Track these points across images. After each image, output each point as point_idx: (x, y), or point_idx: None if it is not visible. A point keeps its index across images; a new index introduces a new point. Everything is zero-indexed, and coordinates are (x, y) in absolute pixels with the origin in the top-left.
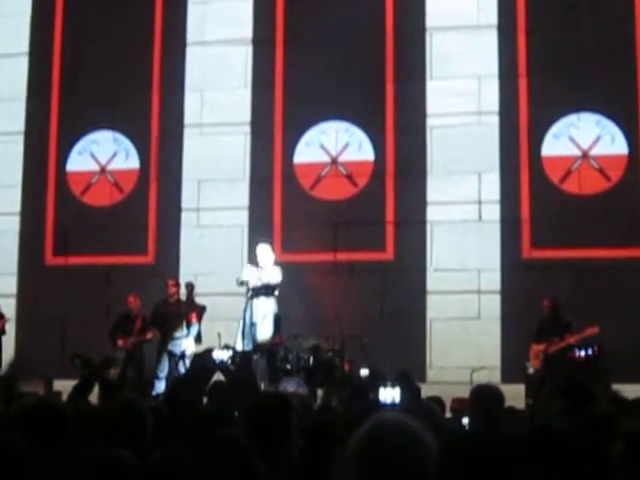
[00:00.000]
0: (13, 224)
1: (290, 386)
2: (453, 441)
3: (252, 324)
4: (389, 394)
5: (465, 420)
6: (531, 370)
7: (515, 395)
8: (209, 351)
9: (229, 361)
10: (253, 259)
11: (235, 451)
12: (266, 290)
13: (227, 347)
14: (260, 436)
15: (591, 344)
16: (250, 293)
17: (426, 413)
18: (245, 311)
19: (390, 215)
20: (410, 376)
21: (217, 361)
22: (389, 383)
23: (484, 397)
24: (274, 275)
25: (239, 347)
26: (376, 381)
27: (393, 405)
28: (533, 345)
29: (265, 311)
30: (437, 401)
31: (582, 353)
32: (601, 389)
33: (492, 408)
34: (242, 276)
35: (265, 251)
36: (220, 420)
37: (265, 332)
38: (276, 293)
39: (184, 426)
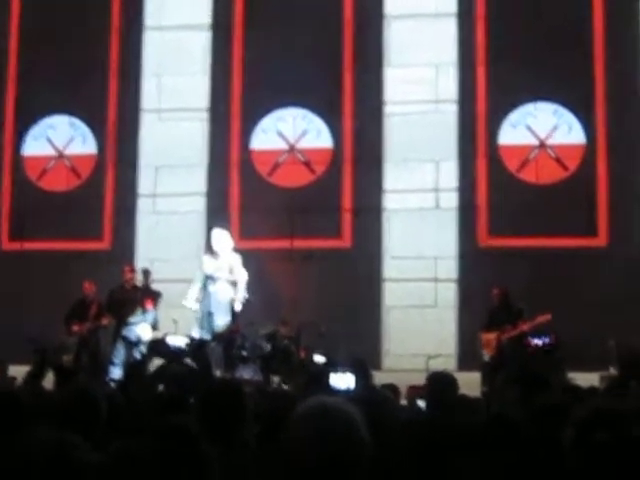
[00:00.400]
0: None
1: (246, 373)
2: (407, 428)
3: (209, 313)
4: (341, 380)
5: (421, 403)
6: (487, 358)
7: (471, 383)
8: (165, 337)
9: (185, 348)
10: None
11: (184, 438)
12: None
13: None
14: (212, 423)
15: (547, 333)
16: (208, 281)
17: (379, 400)
18: (203, 300)
19: (347, 202)
20: (364, 364)
21: (172, 347)
22: (341, 369)
23: (439, 384)
24: (241, 274)
25: (196, 335)
26: (331, 368)
27: (346, 391)
28: (483, 334)
29: (222, 299)
30: (392, 388)
31: (538, 342)
32: (557, 378)
33: (447, 395)
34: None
35: (222, 236)
36: (174, 407)
37: (223, 321)
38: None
39: (138, 412)
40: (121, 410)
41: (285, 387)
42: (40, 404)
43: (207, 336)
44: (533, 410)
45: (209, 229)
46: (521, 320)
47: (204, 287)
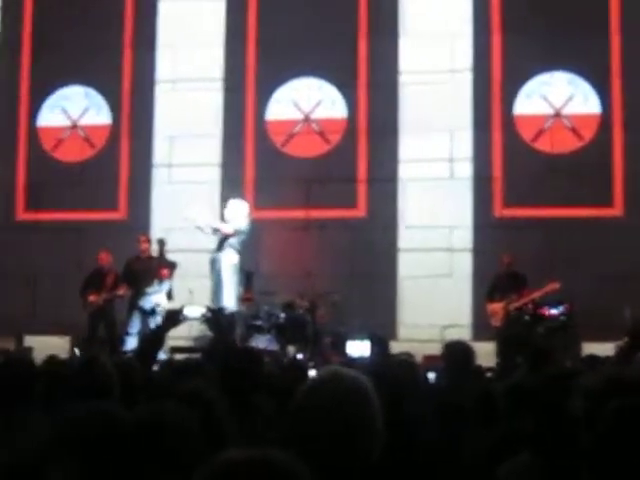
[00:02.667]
0: None
1: (261, 343)
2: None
3: (218, 282)
4: (357, 348)
5: (431, 375)
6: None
7: (485, 353)
8: (181, 307)
9: (201, 318)
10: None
11: (200, 403)
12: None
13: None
14: (230, 388)
15: (562, 302)
16: (216, 251)
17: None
18: (213, 269)
19: (362, 172)
20: (383, 339)
21: (189, 318)
22: (358, 337)
23: (456, 353)
24: (229, 225)
25: (213, 304)
26: (347, 337)
27: (362, 359)
28: (489, 304)
29: (224, 267)
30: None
31: (554, 311)
32: (570, 347)
33: (464, 364)
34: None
35: (237, 206)
36: (190, 372)
37: (229, 295)
38: (236, 245)
39: (154, 379)
40: (138, 377)
41: (300, 357)
42: (53, 374)
43: (221, 304)
44: (544, 379)
45: (224, 199)
46: (525, 288)
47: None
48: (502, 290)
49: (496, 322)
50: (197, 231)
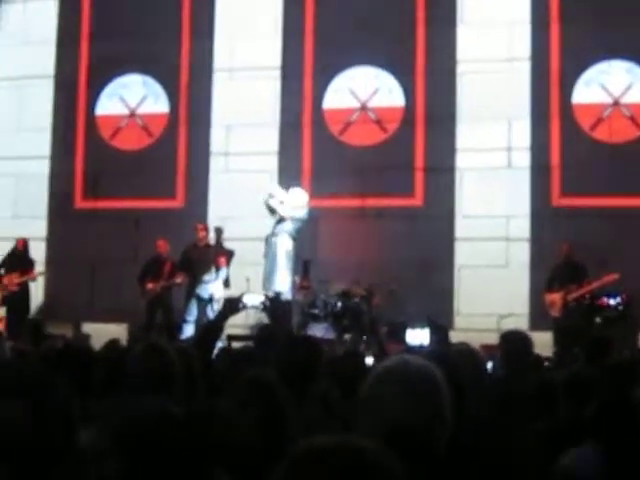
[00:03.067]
0: (43, 168)
1: (317, 331)
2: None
3: (272, 268)
4: (417, 336)
5: (489, 364)
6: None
7: (542, 343)
8: (241, 295)
9: (260, 306)
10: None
11: (264, 391)
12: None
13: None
14: (289, 376)
15: (619, 292)
16: (270, 235)
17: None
18: (267, 255)
19: (419, 161)
20: (442, 326)
21: (248, 306)
22: (417, 325)
23: (513, 343)
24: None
25: (265, 288)
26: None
27: (421, 347)
28: (547, 294)
29: (279, 252)
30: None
31: (610, 301)
32: (629, 337)
33: (522, 353)
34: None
35: (297, 194)
36: (250, 361)
37: (282, 280)
38: (291, 231)
39: (213, 367)
40: (197, 366)
41: (356, 345)
42: (114, 361)
43: (273, 288)
44: (604, 370)
45: (281, 188)
46: (585, 279)
47: (267, 240)
48: (561, 280)
49: (555, 312)
50: (262, 206)
